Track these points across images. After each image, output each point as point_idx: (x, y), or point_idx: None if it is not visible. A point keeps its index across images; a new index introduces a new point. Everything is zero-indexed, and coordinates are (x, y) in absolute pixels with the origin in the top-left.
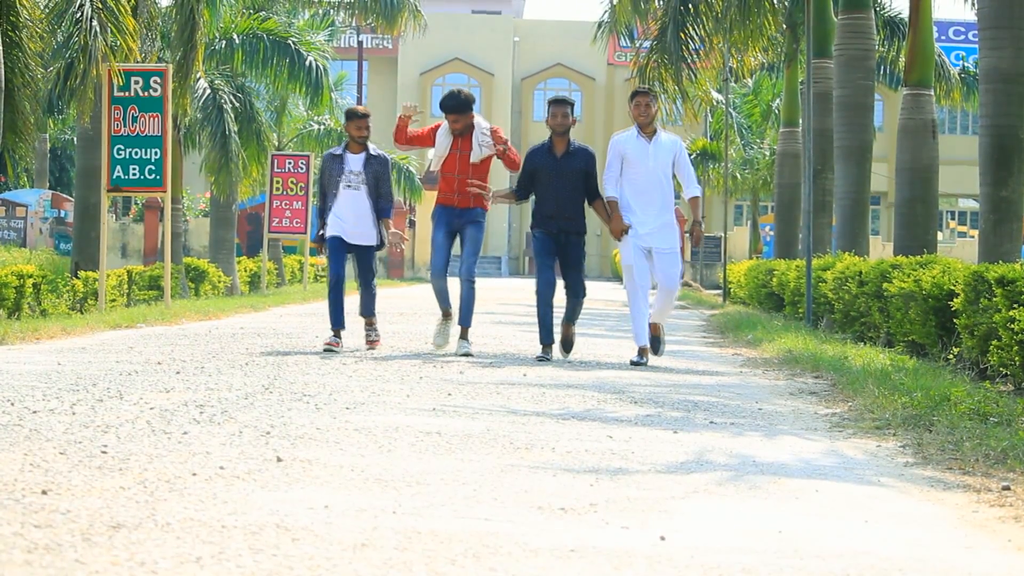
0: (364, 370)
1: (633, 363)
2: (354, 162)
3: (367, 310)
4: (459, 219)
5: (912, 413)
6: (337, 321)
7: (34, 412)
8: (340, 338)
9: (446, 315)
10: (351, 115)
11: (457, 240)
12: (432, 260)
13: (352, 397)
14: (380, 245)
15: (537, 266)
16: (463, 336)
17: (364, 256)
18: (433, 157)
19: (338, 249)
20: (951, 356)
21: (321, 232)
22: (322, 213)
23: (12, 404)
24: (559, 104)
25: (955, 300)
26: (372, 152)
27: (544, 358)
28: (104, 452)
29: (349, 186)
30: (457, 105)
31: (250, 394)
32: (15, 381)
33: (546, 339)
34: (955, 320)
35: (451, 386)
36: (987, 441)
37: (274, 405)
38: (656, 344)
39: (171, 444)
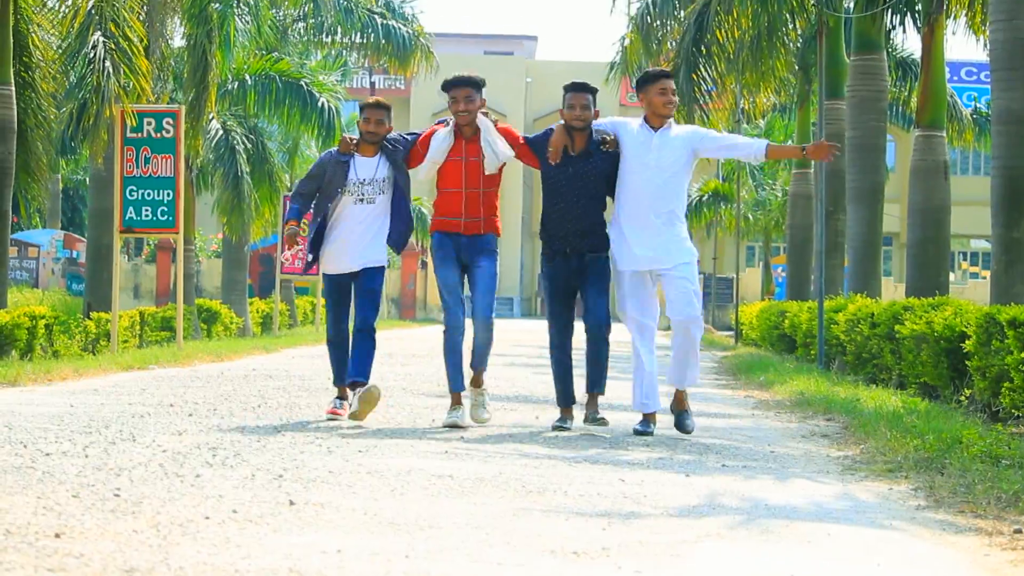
0: (376, 413)
1: (637, 431)
2: (365, 167)
3: (359, 369)
4: (468, 250)
5: (924, 456)
6: (339, 377)
7: (47, 454)
8: (345, 398)
9: (457, 401)
10: (362, 107)
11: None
12: (445, 308)
13: (364, 440)
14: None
15: (548, 310)
16: (476, 383)
17: (370, 279)
18: (426, 163)
19: (341, 294)
20: (963, 398)
21: (310, 259)
22: (314, 241)
23: (25, 446)
24: (578, 91)
25: (967, 342)
26: (391, 148)
27: (562, 427)
28: (117, 495)
29: (362, 200)
30: (465, 80)
31: (262, 437)
32: (28, 423)
33: (565, 400)
34: (967, 362)
35: (463, 429)
36: (999, 484)
37: (286, 448)
38: (682, 419)
39: (184, 487)
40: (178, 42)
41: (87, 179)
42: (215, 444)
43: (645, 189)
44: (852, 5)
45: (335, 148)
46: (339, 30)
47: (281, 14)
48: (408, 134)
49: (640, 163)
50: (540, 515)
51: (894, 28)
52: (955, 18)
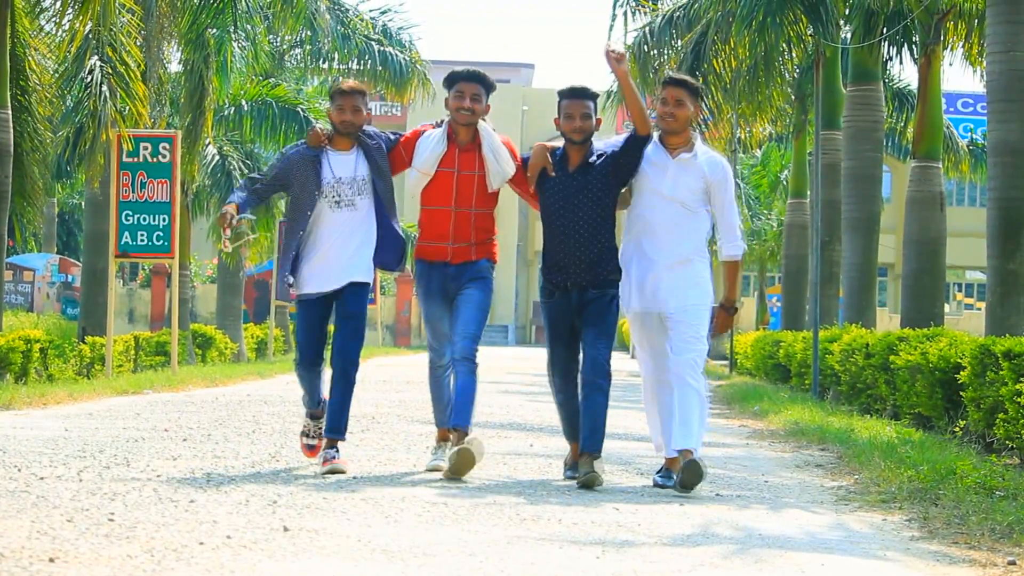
0: (371, 440)
1: (657, 484)
2: (342, 164)
3: (335, 421)
4: (455, 280)
5: (918, 486)
6: (315, 399)
7: (41, 478)
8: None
9: (445, 436)
10: (333, 94)
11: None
12: (429, 346)
13: (359, 466)
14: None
15: (550, 355)
16: (458, 441)
17: (353, 301)
18: (412, 176)
19: (319, 321)
20: (957, 429)
21: (290, 281)
22: (294, 261)
23: (19, 470)
24: (577, 98)
25: (962, 373)
26: (367, 142)
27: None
28: (111, 520)
29: (339, 203)
30: (476, 75)
31: (257, 462)
32: (22, 447)
33: (574, 436)
34: (962, 393)
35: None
36: (993, 515)
37: (281, 474)
38: (693, 472)
39: (178, 512)
40: (175, 67)
41: (83, 203)
42: (209, 469)
43: (659, 223)
44: (849, 36)
45: (301, 142)
46: (336, 56)
47: (278, 40)
48: (392, 133)
49: (653, 192)
50: (534, 543)
51: (891, 59)
52: (952, 49)
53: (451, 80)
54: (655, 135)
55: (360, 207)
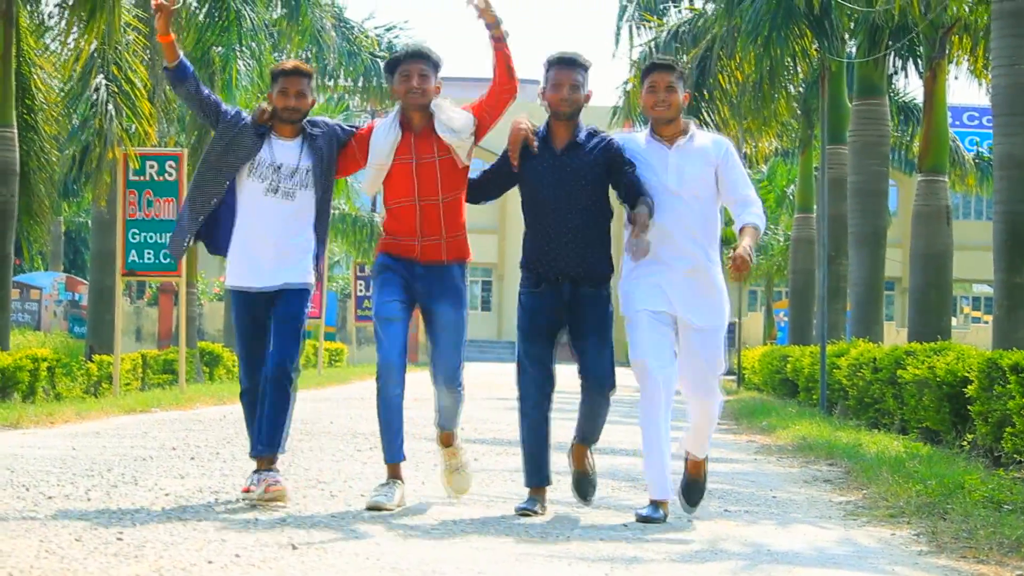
0: (378, 457)
1: (642, 518)
2: (284, 152)
3: (269, 438)
4: (425, 286)
5: (926, 501)
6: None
7: (49, 498)
8: (275, 469)
9: (394, 474)
10: (275, 74)
11: (421, 320)
12: (379, 346)
13: (367, 484)
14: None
15: (522, 353)
16: (445, 442)
17: (289, 302)
18: (368, 173)
19: (256, 321)
20: (965, 443)
21: (188, 243)
22: (207, 224)
23: (27, 489)
24: (565, 66)
25: (969, 387)
26: (311, 131)
27: (528, 510)
28: (120, 539)
29: (276, 191)
30: (417, 52)
31: None
32: (30, 466)
33: (535, 479)
34: (969, 407)
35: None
36: (1001, 529)
37: (288, 491)
38: (694, 491)
39: (186, 531)
40: None
41: (89, 222)
42: (217, 488)
43: (668, 223)
44: (855, 50)
45: (233, 116)
46: (342, 73)
47: (284, 57)
48: (344, 125)
49: (656, 189)
50: (543, 560)
51: (896, 73)
52: (957, 63)
53: (392, 65)
54: (645, 131)
55: (300, 200)
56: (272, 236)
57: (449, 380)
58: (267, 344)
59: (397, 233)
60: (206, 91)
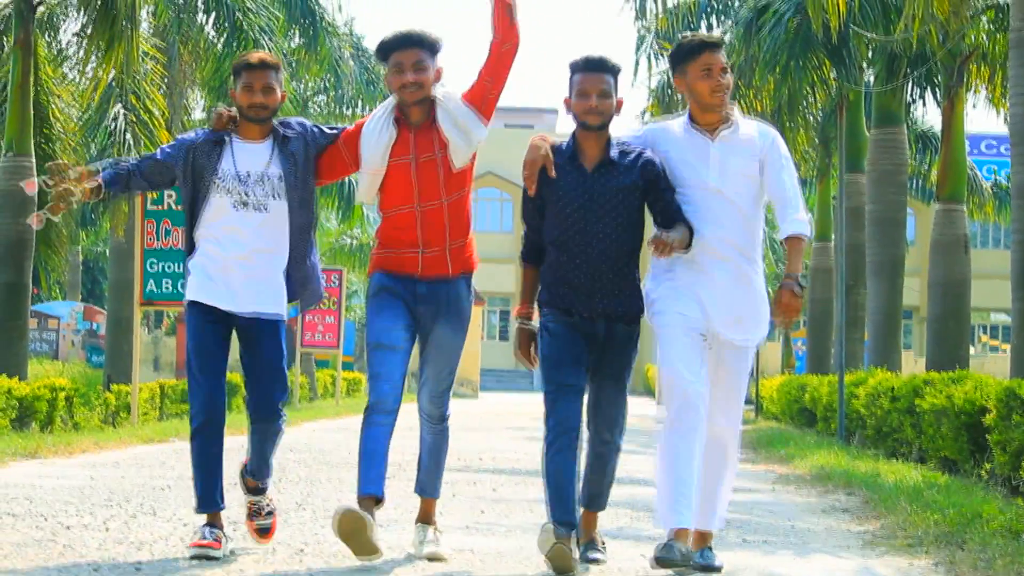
0: (396, 487)
1: (659, 559)
2: (249, 157)
3: (259, 467)
4: (427, 305)
5: (944, 530)
6: (209, 498)
7: (68, 527)
8: (219, 527)
9: (365, 503)
10: (238, 69)
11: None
12: (373, 377)
13: (384, 514)
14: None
15: (551, 383)
16: (424, 519)
17: (269, 345)
18: (362, 180)
19: (212, 342)
20: (983, 472)
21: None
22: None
23: (46, 519)
24: (593, 71)
25: (987, 416)
26: (284, 132)
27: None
28: (138, 570)
29: (245, 204)
30: (410, 38)
31: (283, 511)
32: (49, 496)
33: (564, 514)
34: (987, 436)
35: (484, 503)
36: (1019, 558)
37: (307, 522)
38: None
39: (205, 562)
40: (199, 114)
41: (107, 251)
42: (236, 518)
43: (708, 225)
44: (873, 79)
45: (202, 129)
46: (360, 102)
47: (302, 86)
48: (328, 126)
49: (695, 187)
50: None
51: (914, 102)
52: (975, 92)
53: (384, 52)
54: (684, 118)
55: (273, 211)
56: (242, 254)
57: (436, 409)
58: (225, 369)
59: (395, 245)
60: (142, 169)
